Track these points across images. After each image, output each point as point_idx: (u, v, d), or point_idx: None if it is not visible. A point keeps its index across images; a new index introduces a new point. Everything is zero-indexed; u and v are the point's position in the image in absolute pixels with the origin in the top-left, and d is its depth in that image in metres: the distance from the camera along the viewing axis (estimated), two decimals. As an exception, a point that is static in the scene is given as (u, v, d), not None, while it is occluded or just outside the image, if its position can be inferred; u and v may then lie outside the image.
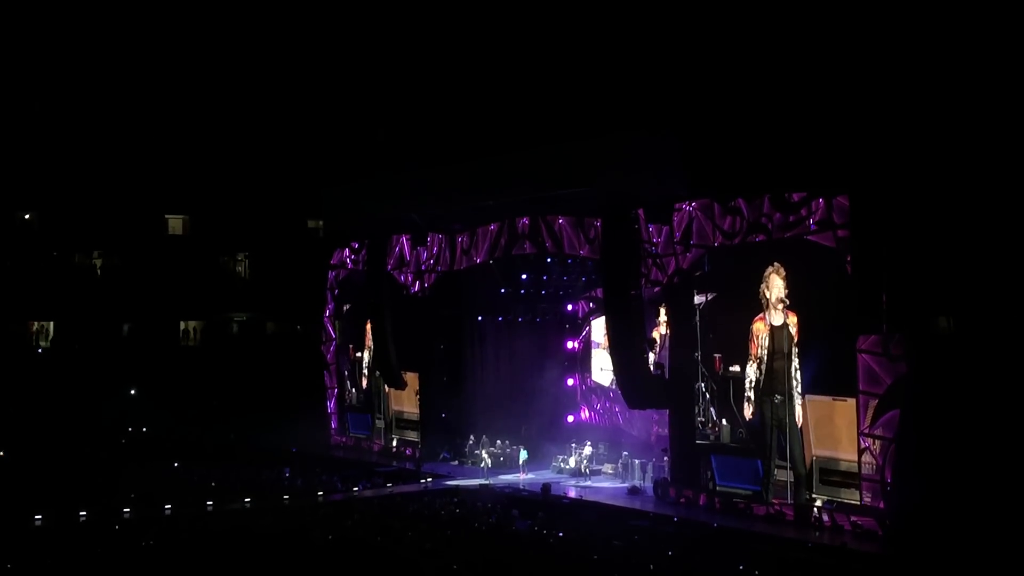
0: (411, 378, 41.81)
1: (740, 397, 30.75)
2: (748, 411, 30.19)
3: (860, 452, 26.95)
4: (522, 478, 36.01)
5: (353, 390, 45.97)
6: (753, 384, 30.25)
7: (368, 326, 43.19)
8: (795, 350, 29.05)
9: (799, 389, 28.90)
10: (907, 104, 26.23)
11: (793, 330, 29.14)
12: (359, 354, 45.20)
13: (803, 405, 28.90)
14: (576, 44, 39.05)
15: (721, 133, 30.06)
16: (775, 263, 29.41)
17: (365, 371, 44.58)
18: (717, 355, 31.52)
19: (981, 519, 24.24)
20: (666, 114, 33.11)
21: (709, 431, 31.46)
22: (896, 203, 26.16)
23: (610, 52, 37.52)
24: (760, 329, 30.14)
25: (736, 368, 30.91)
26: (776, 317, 29.52)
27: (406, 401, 42.60)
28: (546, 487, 33.33)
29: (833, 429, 28.12)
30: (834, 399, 28.14)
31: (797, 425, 28.93)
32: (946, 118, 25.95)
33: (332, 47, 51.42)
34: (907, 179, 26.13)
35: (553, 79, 39.20)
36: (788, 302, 29.07)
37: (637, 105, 35.04)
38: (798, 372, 28.95)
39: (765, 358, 29.92)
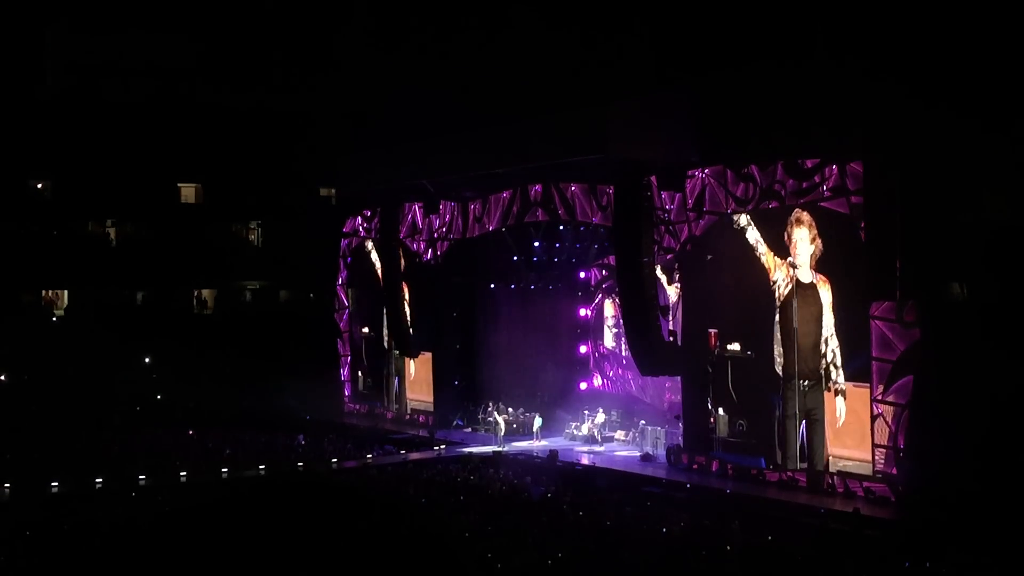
0: (425, 360, 42.14)
1: (740, 381, 30.47)
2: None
3: (873, 418, 26.95)
4: (536, 445, 36.12)
5: (360, 373, 46.18)
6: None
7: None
8: (827, 321, 28.39)
9: (837, 375, 28.24)
10: (920, 68, 26.01)
11: (827, 299, 28.38)
12: (366, 330, 45.36)
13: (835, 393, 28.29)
14: (589, 9, 38.77)
15: (734, 99, 29.84)
16: (798, 211, 28.80)
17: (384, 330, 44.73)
18: (712, 330, 31.31)
19: (994, 485, 24.23)
20: (679, 81, 32.89)
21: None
22: (910, 169, 26.00)
23: (623, 17, 37.26)
24: (780, 272, 29.65)
25: (736, 346, 30.56)
26: (803, 273, 29.02)
27: (420, 389, 42.80)
28: (553, 453, 33.48)
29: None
30: (855, 385, 27.66)
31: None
32: (959, 82, 25.74)
33: (343, 15, 51.26)
34: (921, 145, 25.94)
35: (565, 45, 38.96)
36: (815, 263, 28.46)
37: (650, 71, 34.81)
38: (835, 353, 28.32)
39: (777, 318, 29.55)
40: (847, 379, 27.77)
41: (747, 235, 30.30)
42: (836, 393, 28.08)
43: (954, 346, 25.62)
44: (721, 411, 30.76)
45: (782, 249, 29.32)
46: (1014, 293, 25.47)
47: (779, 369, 29.36)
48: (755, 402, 30.05)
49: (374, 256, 44.71)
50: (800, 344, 28.81)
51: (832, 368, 28.14)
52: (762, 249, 29.91)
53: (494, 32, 41.99)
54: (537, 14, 40.13)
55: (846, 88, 26.84)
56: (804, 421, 28.75)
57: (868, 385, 27.11)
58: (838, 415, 28.04)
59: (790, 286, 29.17)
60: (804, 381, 28.73)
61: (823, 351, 28.30)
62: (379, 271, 43.64)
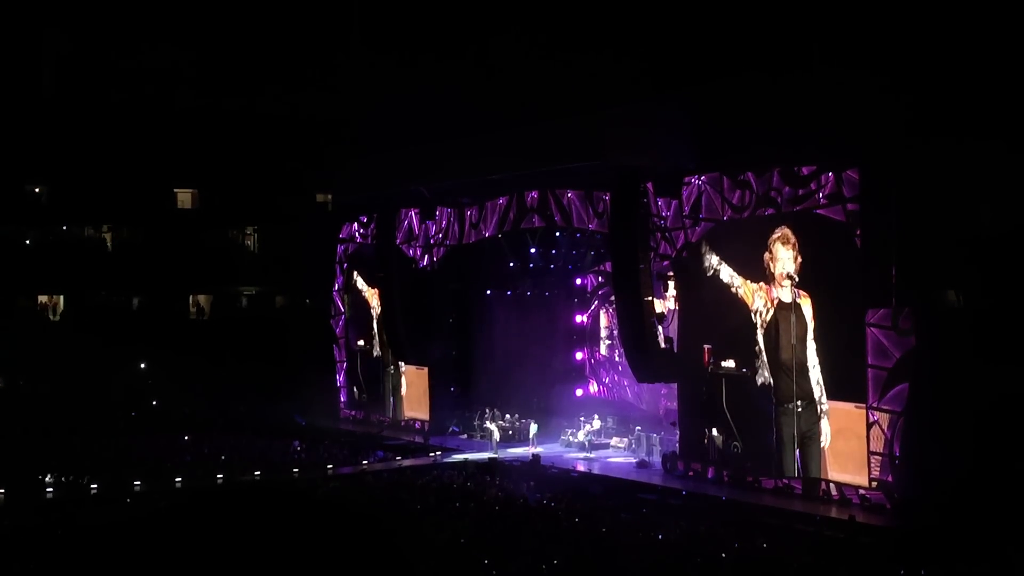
0: (422, 375, 42.11)
1: (735, 400, 30.24)
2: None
3: (869, 426, 26.94)
4: (531, 451, 36.09)
5: (355, 388, 46.16)
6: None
7: (376, 300, 43.36)
8: (810, 338, 28.45)
9: (820, 394, 28.14)
10: (917, 76, 26.05)
11: (808, 313, 28.36)
12: (361, 343, 45.34)
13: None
14: (587, 16, 38.85)
15: (731, 106, 29.86)
16: (783, 228, 28.81)
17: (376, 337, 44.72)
18: (707, 346, 31.28)
19: (990, 492, 24.23)
20: (676, 87, 32.93)
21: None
22: (906, 176, 26.03)
23: (621, 24, 37.34)
24: (759, 299, 29.71)
25: (731, 363, 30.41)
26: (784, 293, 29.15)
27: (416, 404, 42.77)
28: (535, 457, 33.57)
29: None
30: (856, 407, 27.30)
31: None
32: (956, 90, 25.78)
33: (340, 21, 51.34)
34: (917, 152, 25.98)
35: (563, 52, 39.02)
36: (797, 279, 28.48)
37: (646, 78, 34.87)
38: (816, 369, 28.22)
39: (763, 344, 29.53)
40: (845, 399, 27.53)
41: (720, 276, 30.48)
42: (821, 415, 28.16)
43: (949, 354, 25.63)
44: (715, 431, 30.70)
45: (758, 270, 29.35)
46: (1009, 301, 25.50)
47: (771, 393, 29.18)
48: (750, 422, 29.93)
49: (360, 284, 45.05)
50: (788, 366, 28.66)
51: (818, 386, 28.08)
52: (737, 283, 30.07)
53: (492, 39, 42.06)
54: (534, 21, 40.20)
55: (843, 96, 26.85)
56: (799, 444, 28.56)
57: (865, 406, 26.97)
58: (823, 436, 27.93)
59: (771, 310, 29.17)
60: (798, 402, 28.53)
61: (811, 369, 28.19)
62: (367, 297, 44.11)
